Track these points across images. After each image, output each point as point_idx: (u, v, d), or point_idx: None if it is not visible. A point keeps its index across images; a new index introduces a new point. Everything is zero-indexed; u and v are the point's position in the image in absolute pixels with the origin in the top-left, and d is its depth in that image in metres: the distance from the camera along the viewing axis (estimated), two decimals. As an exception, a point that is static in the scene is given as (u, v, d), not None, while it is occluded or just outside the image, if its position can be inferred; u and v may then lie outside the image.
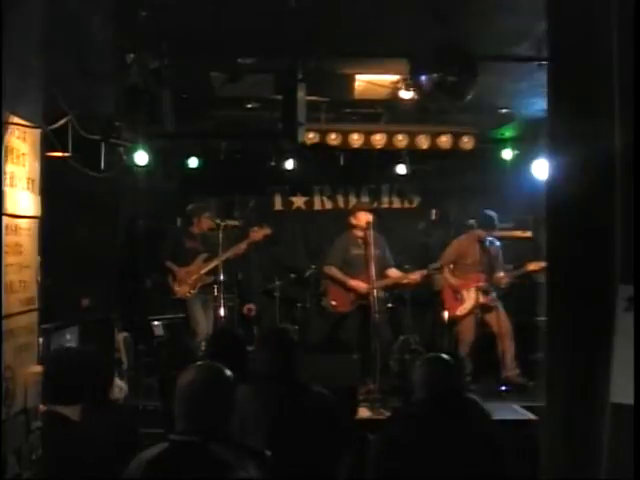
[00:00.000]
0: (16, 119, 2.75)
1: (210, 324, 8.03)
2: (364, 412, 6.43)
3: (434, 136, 8.21)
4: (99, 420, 3.32)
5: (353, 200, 9.71)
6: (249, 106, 7.35)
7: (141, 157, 7.77)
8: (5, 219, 2.66)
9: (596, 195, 2.02)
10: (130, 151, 7.34)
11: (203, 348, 7.41)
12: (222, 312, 7.91)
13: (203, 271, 7.97)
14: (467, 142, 8.26)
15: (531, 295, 7.86)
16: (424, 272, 7.88)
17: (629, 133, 1.94)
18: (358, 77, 6.48)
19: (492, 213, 7.86)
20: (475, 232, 7.81)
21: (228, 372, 2.79)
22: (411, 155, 8.61)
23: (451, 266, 7.92)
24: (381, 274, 7.66)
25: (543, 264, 7.32)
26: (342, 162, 8.78)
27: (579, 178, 2.04)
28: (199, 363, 2.91)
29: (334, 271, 7.79)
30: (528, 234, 8.98)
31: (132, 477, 2.60)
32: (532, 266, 7.60)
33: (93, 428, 3.21)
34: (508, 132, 8.64)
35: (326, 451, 3.50)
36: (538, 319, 7.73)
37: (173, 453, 2.60)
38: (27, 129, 2.88)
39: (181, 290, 7.93)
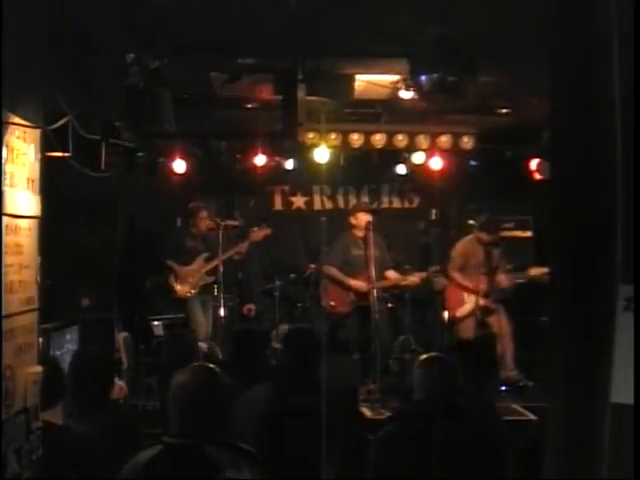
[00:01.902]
0: (16, 119, 2.74)
1: (210, 324, 8.03)
2: (364, 412, 6.43)
3: (434, 136, 8.22)
4: (99, 420, 3.33)
5: (353, 200, 9.72)
6: (249, 106, 7.35)
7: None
8: (5, 219, 2.65)
9: (597, 195, 2.02)
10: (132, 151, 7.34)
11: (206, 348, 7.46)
12: (222, 312, 7.91)
13: (204, 270, 7.97)
14: (467, 142, 8.26)
15: (531, 295, 7.86)
16: (423, 275, 7.88)
17: (630, 133, 1.94)
18: (358, 77, 6.48)
19: (495, 216, 7.85)
20: (478, 235, 7.80)
21: (222, 374, 2.79)
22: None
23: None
24: (380, 275, 7.67)
25: (545, 270, 7.31)
26: (342, 162, 8.78)
27: (581, 178, 2.05)
28: (193, 365, 2.91)
29: (334, 271, 7.80)
30: (528, 234, 8.99)
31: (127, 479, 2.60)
32: (535, 271, 7.58)
33: (92, 428, 3.21)
34: (508, 132, 8.63)
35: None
36: (538, 319, 7.74)
37: (168, 456, 2.60)
38: (27, 129, 2.87)
39: (182, 289, 7.92)
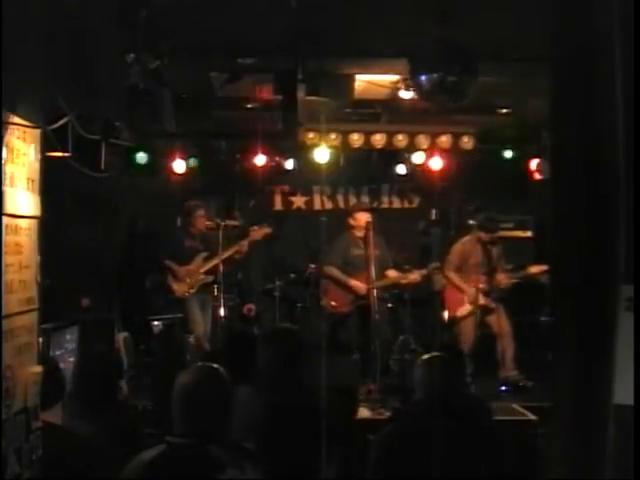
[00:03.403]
0: (16, 119, 2.74)
1: (209, 324, 8.03)
2: (364, 412, 6.42)
3: (434, 136, 8.22)
4: (102, 420, 3.33)
5: (353, 200, 9.72)
6: (249, 106, 7.35)
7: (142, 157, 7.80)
8: (5, 219, 2.65)
9: (598, 194, 2.02)
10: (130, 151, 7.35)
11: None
12: (222, 312, 7.91)
13: (202, 270, 7.96)
14: (467, 142, 8.26)
15: (531, 295, 7.87)
16: (423, 272, 7.89)
17: (630, 133, 1.94)
18: (358, 77, 6.48)
19: (493, 215, 7.86)
20: (477, 234, 7.80)
21: (225, 373, 2.79)
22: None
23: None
24: (381, 274, 7.67)
25: (545, 267, 7.32)
26: (342, 162, 8.78)
27: (582, 178, 2.04)
28: (196, 365, 2.91)
29: (334, 271, 7.81)
30: (528, 234, 8.99)
31: (130, 479, 2.61)
32: (534, 269, 7.60)
33: (96, 428, 3.21)
34: (508, 132, 8.64)
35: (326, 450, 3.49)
36: (538, 319, 7.74)
37: (171, 455, 2.60)
38: (27, 129, 2.87)
39: (180, 289, 7.92)
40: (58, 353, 5.07)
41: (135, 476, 2.59)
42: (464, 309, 7.69)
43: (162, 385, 5.45)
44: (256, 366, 3.85)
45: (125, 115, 5.38)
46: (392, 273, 7.88)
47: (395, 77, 6.39)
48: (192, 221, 8.09)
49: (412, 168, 8.86)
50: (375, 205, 9.48)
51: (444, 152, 8.41)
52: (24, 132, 2.86)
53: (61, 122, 3.60)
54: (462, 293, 7.71)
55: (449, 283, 7.86)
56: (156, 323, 8.05)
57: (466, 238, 7.96)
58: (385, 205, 9.86)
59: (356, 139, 8.14)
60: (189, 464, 2.56)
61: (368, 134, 8.13)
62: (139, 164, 7.89)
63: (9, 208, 2.70)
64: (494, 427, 3.68)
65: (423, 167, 8.70)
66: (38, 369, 2.92)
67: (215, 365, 2.85)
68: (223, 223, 7.97)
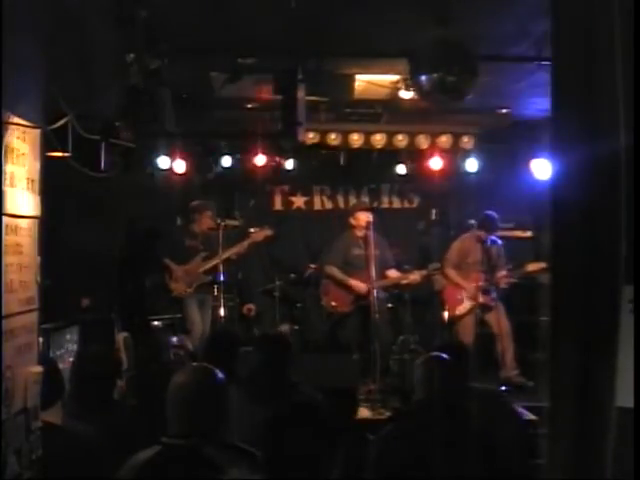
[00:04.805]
0: (16, 119, 2.74)
1: (207, 324, 8.02)
2: (364, 412, 6.43)
3: (434, 136, 8.22)
4: (101, 420, 3.33)
5: (353, 200, 9.71)
6: (249, 106, 7.35)
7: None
8: (5, 219, 2.65)
9: (600, 194, 2.02)
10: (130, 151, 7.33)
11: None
12: (222, 312, 7.91)
13: (201, 270, 7.97)
14: (467, 142, 8.27)
15: (531, 295, 7.87)
16: (424, 272, 7.90)
17: (631, 133, 1.94)
18: (358, 77, 6.49)
19: (494, 214, 7.87)
20: (477, 232, 7.82)
21: (220, 374, 2.78)
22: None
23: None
24: (381, 274, 7.68)
25: (543, 265, 7.33)
26: (342, 162, 8.78)
27: (583, 178, 2.04)
28: (191, 365, 2.91)
29: (334, 271, 7.81)
30: (528, 234, 9.00)
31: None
32: (532, 267, 7.61)
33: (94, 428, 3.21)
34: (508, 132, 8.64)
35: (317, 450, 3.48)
36: (538, 319, 7.74)
37: (166, 456, 2.60)
38: (27, 129, 2.87)
39: (177, 288, 7.93)
40: (58, 353, 5.07)
41: (130, 477, 2.59)
42: (463, 307, 7.71)
43: (140, 384, 5.46)
44: (245, 368, 3.87)
45: (125, 115, 5.37)
46: (392, 273, 7.89)
47: (395, 77, 6.40)
48: (198, 220, 8.09)
49: (412, 168, 8.86)
50: (375, 205, 9.47)
51: (444, 152, 8.42)
52: (24, 132, 2.85)
53: (61, 122, 3.59)
54: (461, 291, 7.73)
55: (448, 281, 7.88)
56: (156, 323, 8.06)
57: (465, 235, 7.99)
58: (385, 205, 9.85)
59: (356, 139, 8.14)
60: (185, 465, 2.56)
61: (368, 134, 8.14)
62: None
63: (9, 208, 2.70)
64: (493, 427, 3.68)
65: (423, 167, 8.71)
66: (38, 369, 2.91)
67: (210, 365, 2.85)
68: (223, 223, 7.97)
